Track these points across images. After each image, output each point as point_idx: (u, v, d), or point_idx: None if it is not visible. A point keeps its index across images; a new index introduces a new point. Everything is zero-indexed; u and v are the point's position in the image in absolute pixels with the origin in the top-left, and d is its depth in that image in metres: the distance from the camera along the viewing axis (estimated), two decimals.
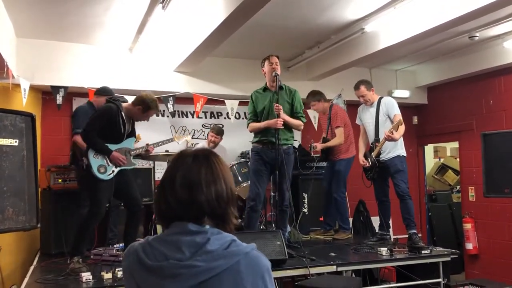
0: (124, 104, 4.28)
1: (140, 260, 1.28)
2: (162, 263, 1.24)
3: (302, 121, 4.60)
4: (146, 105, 4.21)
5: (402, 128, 4.68)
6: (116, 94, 4.68)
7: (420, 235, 7.47)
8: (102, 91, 4.84)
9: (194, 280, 1.21)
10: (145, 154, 4.56)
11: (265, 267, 1.28)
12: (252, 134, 4.71)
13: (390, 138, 4.62)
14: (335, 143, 5.49)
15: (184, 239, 1.27)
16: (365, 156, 5.06)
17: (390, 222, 5.18)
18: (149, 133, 5.45)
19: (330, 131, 5.59)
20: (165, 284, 1.23)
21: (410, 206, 4.81)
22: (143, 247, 1.31)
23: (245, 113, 6.34)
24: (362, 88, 5.01)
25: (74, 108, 5.94)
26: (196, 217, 1.30)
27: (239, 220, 4.68)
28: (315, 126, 6.79)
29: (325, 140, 5.62)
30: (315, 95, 5.70)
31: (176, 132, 6.48)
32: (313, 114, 6.75)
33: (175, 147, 5.47)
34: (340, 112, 5.60)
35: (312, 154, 5.60)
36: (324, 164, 5.88)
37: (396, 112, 4.86)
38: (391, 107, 4.91)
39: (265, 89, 4.62)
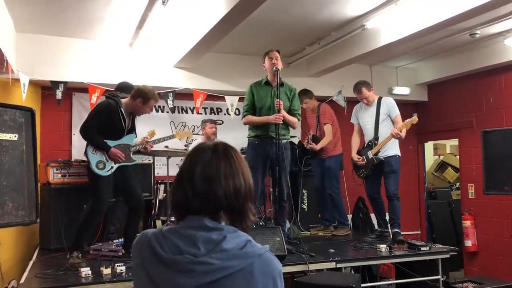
0: (123, 100, 4.27)
1: (154, 250, 1.27)
2: (177, 257, 1.23)
3: (298, 118, 4.63)
4: (146, 96, 4.20)
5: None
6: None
7: (418, 232, 7.58)
8: (122, 88, 4.74)
9: (207, 278, 1.20)
10: (144, 152, 4.56)
11: (277, 270, 1.27)
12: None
13: (398, 136, 4.73)
14: (327, 141, 5.57)
15: (200, 234, 1.25)
16: (359, 154, 5.11)
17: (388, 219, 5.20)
18: (149, 128, 5.43)
19: (319, 129, 5.67)
20: (178, 278, 1.22)
21: (397, 207, 4.93)
22: (156, 237, 1.29)
23: None
24: (364, 90, 5.07)
25: (74, 104, 5.98)
26: (212, 211, 1.29)
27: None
28: None
29: (314, 138, 5.73)
30: (308, 93, 5.79)
31: (176, 128, 6.48)
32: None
33: (175, 143, 5.48)
34: (328, 110, 5.70)
35: (308, 146, 5.69)
36: None
37: (398, 113, 5.00)
38: (392, 107, 5.02)
39: (266, 83, 4.60)
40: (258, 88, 4.58)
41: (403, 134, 4.77)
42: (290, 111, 4.55)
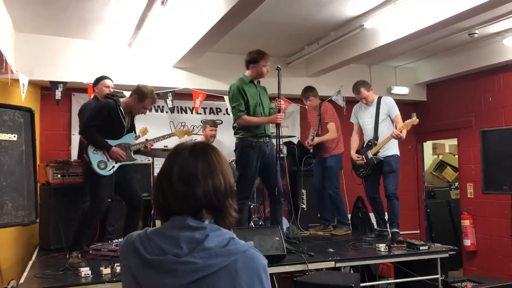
0: (122, 99, 4.28)
1: (138, 252, 1.27)
2: (160, 258, 1.24)
3: None
4: (141, 93, 4.19)
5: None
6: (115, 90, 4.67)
7: (417, 231, 7.59)
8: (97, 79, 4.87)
9: (191, 277, 1.20)
10: (144, 150, 4.56)
11: (261, 265, 1.26)
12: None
13: (399, 137, 4.74)
14: (329, 138, 5.54)
15: (183, 234, 1.26)
16: (359, 153, 5.11)
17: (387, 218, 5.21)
18: (148, 128, 5.44)
19: (321, 128, 5.66)
20: (162, 279, 1.22)
21: (396, 206, 4.93)
22: (141, 239, 1.30)
23: None
24: (363, 90, 5.07)
25: (73, 104, 5.98)
26: (194, 210, 1.29)
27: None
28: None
29: (317, 136, 5.67)
30: (314, 90, 5.74)
31: (175, 128, 6.48)
32: None
33: (174, 143, 5.45)
34: (330, 108, 5.67)
35: (307, 145, 5.67)
36: None
37: (397, 113, 5.00)
38: (392, 107, 5.02)
39: (250, 81, 4.53)
40: (247, 87, 4.47)
41: (403, 135, 4.78)
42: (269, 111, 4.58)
